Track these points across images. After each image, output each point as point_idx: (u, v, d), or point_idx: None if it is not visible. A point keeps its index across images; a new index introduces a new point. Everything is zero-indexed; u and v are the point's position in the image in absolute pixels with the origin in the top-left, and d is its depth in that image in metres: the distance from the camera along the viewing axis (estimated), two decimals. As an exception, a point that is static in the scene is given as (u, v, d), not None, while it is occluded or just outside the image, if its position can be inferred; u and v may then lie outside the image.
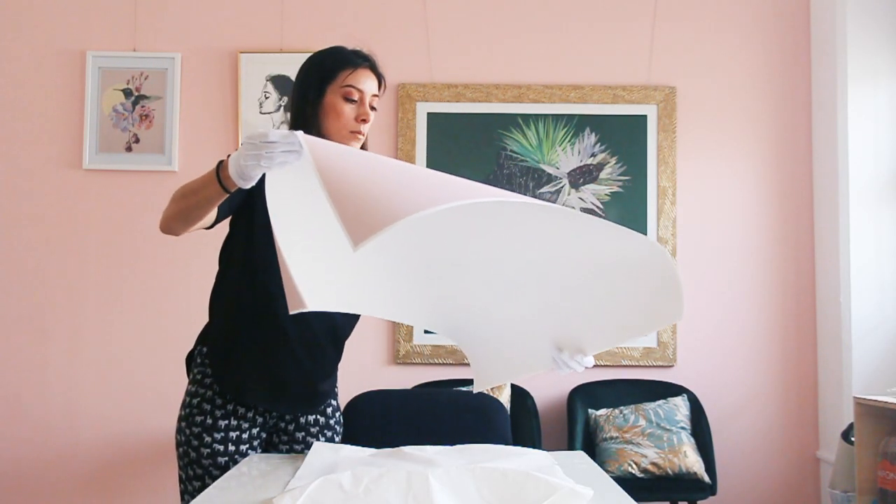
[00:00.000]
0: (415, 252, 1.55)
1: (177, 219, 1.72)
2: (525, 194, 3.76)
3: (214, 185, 1.56)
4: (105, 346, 3.75)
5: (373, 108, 1.86)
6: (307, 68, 1.89)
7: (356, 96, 1.83)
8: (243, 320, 1.86)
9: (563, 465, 1.67)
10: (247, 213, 1.85)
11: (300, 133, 1.39)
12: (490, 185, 3.64)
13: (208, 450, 1.81)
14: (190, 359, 1.95)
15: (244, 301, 1.86)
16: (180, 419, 1.86)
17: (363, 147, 1.90)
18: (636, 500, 1.45)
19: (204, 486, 1.78)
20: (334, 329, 1.94)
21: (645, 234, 3.77)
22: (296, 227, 1.48)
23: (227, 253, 1.91)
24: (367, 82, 1.85)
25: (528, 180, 3.79)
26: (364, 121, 1.84)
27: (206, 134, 3.81)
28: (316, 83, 1.84)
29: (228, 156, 1.54)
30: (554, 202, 3.78)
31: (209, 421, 1.83)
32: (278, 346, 1.86)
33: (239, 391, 1.85)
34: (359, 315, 1.98)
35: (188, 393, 1.88)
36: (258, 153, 1.41)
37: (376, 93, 1.87)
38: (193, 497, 1.81)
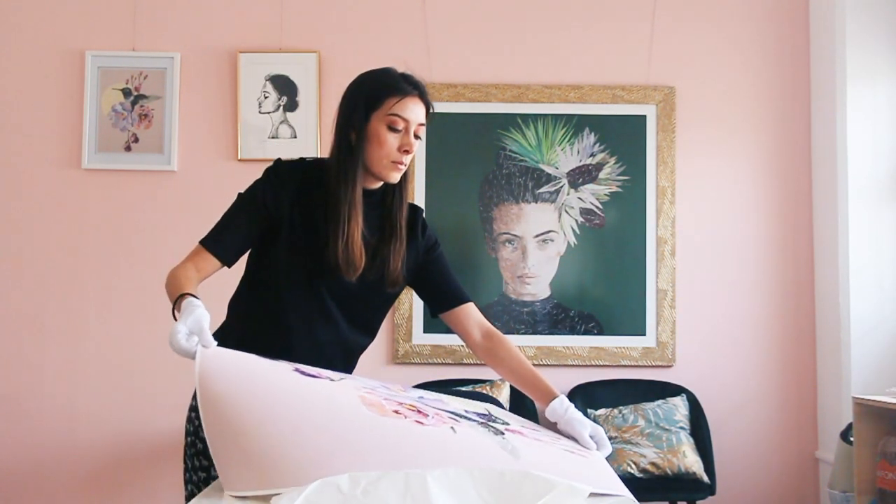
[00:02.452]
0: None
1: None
2: (524, 194, 3.78)
3: (172, 309, 1.63)
4: (104, 346, 3.75)
5: (418, 137, 1.82)
6: (354, 90, 1.84)
7: (401, 126, 1.79)
8: (261, 348, 1.86)
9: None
10: (271, 240, 1.85)
11: (199, 355, 1.41)
12: (487, 186, 3.58)
13: None
14: None
15: (260, 331, 1.88)
16: (191, 409, 1.87)
17: (404, 175, 1.87)
18: (635, 500, 1.45)
19: (209, 478, 1.79)
20: (348, 356, 1.97)
21: (644, 234, 3.78)
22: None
23: (253, 268, 1.90)
24: (413, 111, 1.80)
25: (528, 180, 3.79)
26: (407, 151, 1.80)
27: (205, 134, 3.80)
28: (361, 108, 1.80)
29: (188, 296, 1.60)
30: (553, 202, 3.78)
31: None
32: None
33: None
34: (375, 333, 2.00)
35: None
36: (177, 350, 1.48)
37: (423, 122, 1.82)
38: (197, 487, 1.82)
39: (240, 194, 1.88)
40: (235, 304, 1.97)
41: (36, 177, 3.79)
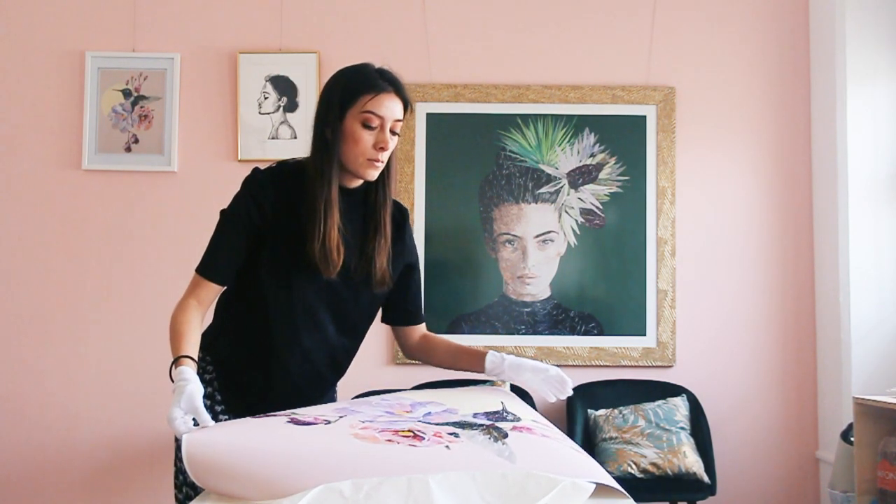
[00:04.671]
0: None
1: None
2: (525, 194, 3.78)
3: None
4: (104, 347, 3.74)
5: (395, 134, 1.79)
6: (330, 88, 1.83)
7: (376, 123, 1.77)
8: (247, 355, 1.88)
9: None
10: (258, 248, 1.83)
11: (184, 447, 1.43)
12: (487, 186, 3.58)
13: None
14: None
15: (249, 337, 1.88)
16: None
17: (387, 168, 1.85)
18: (636, 500, 1.45)
19: None
20: (335, 362, 1.95)
21: (644, 235, 3.78)
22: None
23: (241, 275, 1.87)
24: (389, 108, 1.77)
25: (528, 180, 3.79)
26: (382, 148, 1.77)
27: (205, 134, 3.80)
28: (336, 106, 1.78)
29: (182, 361, 1.63)
30: (553, 202, 3.78)
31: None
32: (280, 380, 1.88)
33: (245, 410, 1.85)
34: (362, 338, 1.99)
35: None
36: (178, 436, 1.51)
37: (399, 118, 1.80)
38: (193, 488, 1.79)
39: (223, 212, 1.85)
40: (224, 309, 1.95)
41: (36, 178, 3.79)
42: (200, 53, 3.83)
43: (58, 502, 3.69)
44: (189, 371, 1.61)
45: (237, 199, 1.84)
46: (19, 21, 3.84)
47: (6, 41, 3.84)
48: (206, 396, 1.83)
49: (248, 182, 1.84)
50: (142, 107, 3.80)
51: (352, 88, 1.78)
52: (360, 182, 1.87)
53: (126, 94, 3.80)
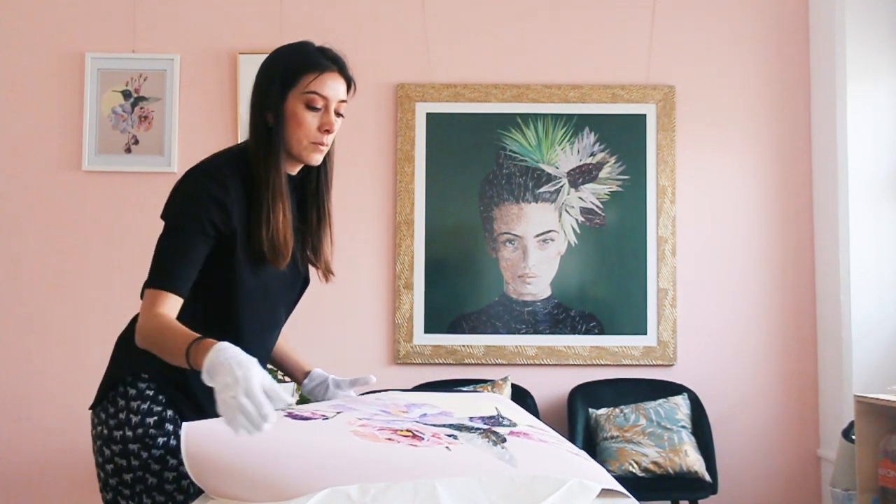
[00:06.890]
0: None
1: (151, 351, 1.65)
2: (525, 194, 3.78)
3: (184, 362, 1.49)
4: (105, 348, 3.72)
5: (339, 115, 1.70)
6: (268, 67, 1.71)
7: (320, 104, 1.67)
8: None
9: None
10: (226, 259, 1.69)
11: (184, 441, 1.37)
12: (487, 186, 3.59)
13: (174, 473, 1.63)
14: (116, 384, 1.79)
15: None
16: (128, 441, 1.66)
17: (328, 153, 1.74)
18: (637, 499, 1.45)
19: None
20: (268, 352, 1.86)
21: (645, 234, 3.78)
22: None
23: (200, 289, 1.68)
24: (333, 88, 1.68)
25: (528, 180, 3.79)
26: (328, 131, 1.68)
27: (205, 135, 3.80)
28: (277, 86, 1.68)
29: (200, 340, 1.47)
30: (554, 202, 3.78)
31: (173, 442, 1.64)
32: None
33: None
34: (283, 323, 1.88)
35: (139, 412, 1.69)
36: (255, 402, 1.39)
37: (344, 98, 1.70)
38: None
39: (178, 217, 1.71)
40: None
41: (36, 179, 3.79)
42: (200, 54, 3.83)
43: (58, 502, 3.70)
44: (230, 344, 1.44)
45: (194, 203, 1.67)
46: (19, 22, 3.84)
47: (6, 42, 3.83)
48: (167, 420, 1.68)
49: (203, 184, 1.67)
50: (142, 108, 3.80)
51: (293, 68, 1.68)
52: (299, 167, 1.77)
53: (126, 95, 3.80)
